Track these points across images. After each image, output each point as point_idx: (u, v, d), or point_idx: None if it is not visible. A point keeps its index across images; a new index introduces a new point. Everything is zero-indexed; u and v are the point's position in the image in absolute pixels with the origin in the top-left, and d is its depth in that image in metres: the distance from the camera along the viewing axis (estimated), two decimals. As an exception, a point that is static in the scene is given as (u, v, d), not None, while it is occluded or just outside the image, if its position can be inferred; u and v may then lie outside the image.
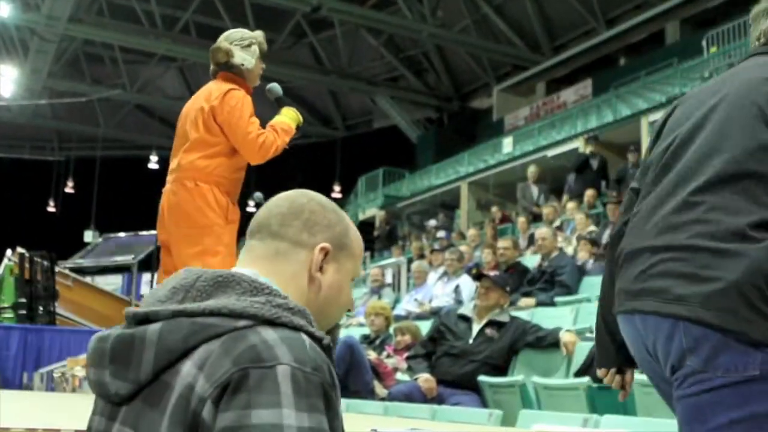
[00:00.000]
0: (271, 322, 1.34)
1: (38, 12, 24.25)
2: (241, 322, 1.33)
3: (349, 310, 1.60)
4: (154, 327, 1.35)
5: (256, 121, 4.11)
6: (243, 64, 4.22)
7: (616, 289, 2.00)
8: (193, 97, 4.30)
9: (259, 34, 4.35)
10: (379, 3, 26.56)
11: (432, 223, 20.77)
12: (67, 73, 30.66)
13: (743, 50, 15.83)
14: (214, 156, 4.07)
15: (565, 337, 5.43)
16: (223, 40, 4.22)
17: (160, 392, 1.31)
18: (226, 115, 4.03)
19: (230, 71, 4.20)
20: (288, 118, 4.32)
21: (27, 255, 14.52)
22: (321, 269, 1.52)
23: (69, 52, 29.48)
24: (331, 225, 1.56)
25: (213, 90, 4.13)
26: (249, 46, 4.25)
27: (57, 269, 15.46)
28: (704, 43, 17.21)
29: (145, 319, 1.38)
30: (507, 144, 21.76)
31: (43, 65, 28.10)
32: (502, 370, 5.63)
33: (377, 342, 7.18)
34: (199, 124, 4.07)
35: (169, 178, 4.12)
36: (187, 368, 1.30)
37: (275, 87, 4.40)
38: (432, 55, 29.55)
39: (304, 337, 1.33)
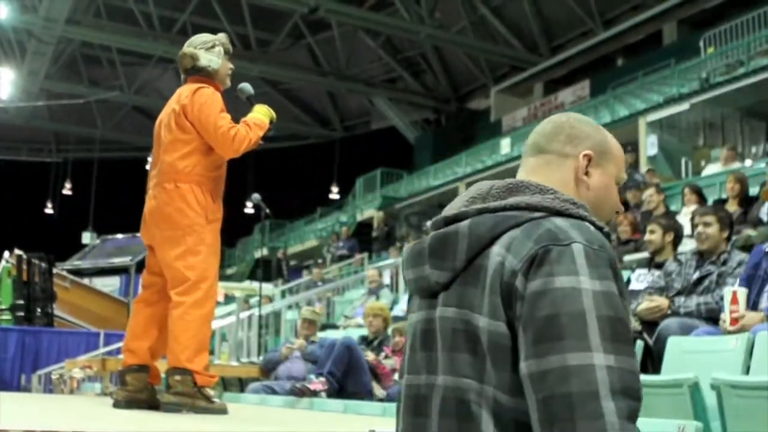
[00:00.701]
0: (561, 213, 1.61)
1: (36, 14, 24.22)
2: (537, 214, 1.61)
3: (617, 212, 1.84)
4: (464, 223, 1.65)
5: (226, 115, 4.13)
6: (210, 66, 4.25)
7: None
8: (169, 101, 4.31)
9: (221, 36, 4.39)
10: (376, 4, 26.59)
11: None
12: (64, 74, 30.66)
13: (740, 51, 15.86)
14: (190, 154, 4.08)
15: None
16: (186, 46, 4.26)
17: (475, 273, 1.60)
18: (196, 112, 4.06)
19: (198, 74, 4.23)
20: (260, 113, 4.34)
21: (25, 257, 14.50)
22: (587, 173, 1.77)
23: (66, 53, 29.48)
24: (590, 136, 1.83)
25: (183, 91, 4.18)
26: (212, 47, 4.28)
27: (55, 271, 15.43)
28: (701, 43, 17.24)
29: (453, 220, 1.68)
30: (505, 145, 21.78)
31: (41, 67, 28.08)
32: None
33: (375, 343, 7.17)
34: (171, 125, 4.10)
35: (150, 184, 4.15)
36: (496, 251, 1.59)
37: (246, 87, 4.43)
38: (430, 56, 29.57)
39: (588, 224, 1.61)
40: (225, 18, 27.28)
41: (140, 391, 4.04)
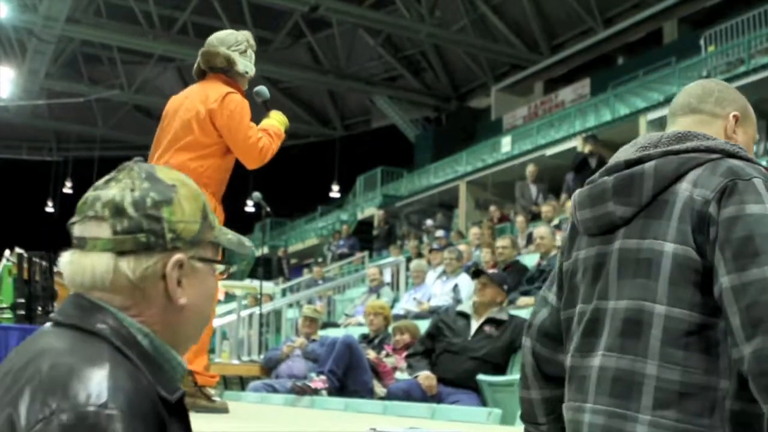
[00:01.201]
0: (734, 155, 1.87)
1: (36, 13, 24.21)
2: (714, 155, 1.87)
3: None
4: (649, 164, 1.89)
5: (254, 125, 4.09)
6: (247, 72, 4.20)
7: None
8: (181, 95, 4.25)
9: (249, 36, 4.29)
10: (376, 2, 26.58)
11: (429, 222, 20.77)
12: (64, 73, 30.64)
13: (741, 49, 15.85)
14: (207, 157, 4.05)
15: (563, 335, 5.43)
16: (219, 45, 4.15)
17: (660, 207, 1.86)
18: (226, 119, 3.99)
19: (224, 74, 4.16)
20: (278, 122, 4.30)
21: (25, 255, 14.49)
22: (734, 132, 2.03)
23: (67, 52, 29.46)
24: (735, 100, 2.07)
25: (210, 92, 4.06)
26: (245, 51, 4.20)
27: (56, 269, 15.42)
28: (702, 42, 17.24)
29: (636, 162, 1.91)
30: (505, 143, 21.77)
31: (41, 66, 28.06)
32: (501, 368, 5.63)
33: (376, 341, 7.18)
34: (193, 126, 4.02)
35: None
36: (683, 187, 1.84)
37: (263, 90, 4.35)
38: (430, 54, 29.56)
39: (755, 165, 1.86)
40: (225, 16, 27.25)
41: None
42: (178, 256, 1.33)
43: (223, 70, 4.14)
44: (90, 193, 1.35)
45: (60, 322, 1.30)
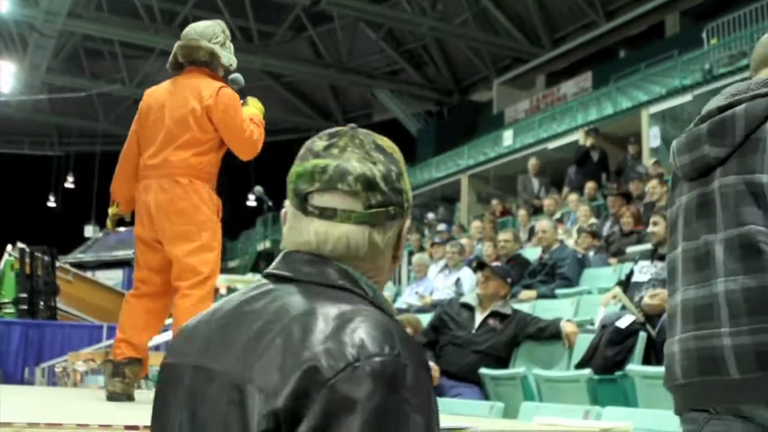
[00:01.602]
0: None
1: (37, 7, 24.18)
2: None
3: None
4: (740, 107, 2.04)
5: (245, 117, 4.11)
6: (230, 65, 4.22)
7: None
8: (161, 89, 4.20)
9: (224, 26, 4.28)
10: (378, -4, 26.54)
11: (430, 216, 20.76)
12: (66, 68, 30.62)
13: (743, 41, 15.82)
14: (206, 153, 4.06)
15: (566, 327, 5.43)
16: (200, 38, 4.13)
17: (753, 145, 2.00)
18: (222, 114, 4.00)
19: (206, 67, 4.15)
20: (257, 109, 4.29)
21: (28, 250, 14.53)
22: None
23: (68, 47, 29.45)
24: None
25: (201, 88, 4.05)
26: (224, 43, 4.21)
27: (57, 264, 15.46)
28: (704, 34, 17.19)
29: (727, 107, 2.06)
30: (507, 137, 21.75)
31: (42, 60, 28.04)
32: (504, 362, 5.63)
33: (378, 335, 7.17)
34: (190, 123, 4.01)
35: (151, 173, 4.04)
36: None
37: (239, 78, 4.31)
38: (432, 48, 29.52)
39: None
40: (226, 10, 27.23)
41: (133, 384, 4.07)
42: (408, 220, 1.49)
43: (205, 63, 4.13)
44: (322, 162, 1.42)
45: (298, 279, 1.38)
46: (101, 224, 29.87)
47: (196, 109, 4.00)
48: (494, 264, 6.84)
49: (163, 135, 4.05)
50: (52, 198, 37.38)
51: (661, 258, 5.62)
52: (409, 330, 6.74)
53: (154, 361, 4.78)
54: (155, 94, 4.18)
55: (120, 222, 4.43)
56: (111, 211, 4.31)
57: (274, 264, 1.46)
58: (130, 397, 3.97)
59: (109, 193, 4.31)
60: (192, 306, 3.87)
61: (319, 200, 1.40)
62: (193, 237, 3.99)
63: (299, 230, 1.42)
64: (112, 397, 3.92)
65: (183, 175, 4.00)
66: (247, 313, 1.35)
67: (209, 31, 4.17)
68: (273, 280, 1.43)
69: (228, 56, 4.20)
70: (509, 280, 6.06)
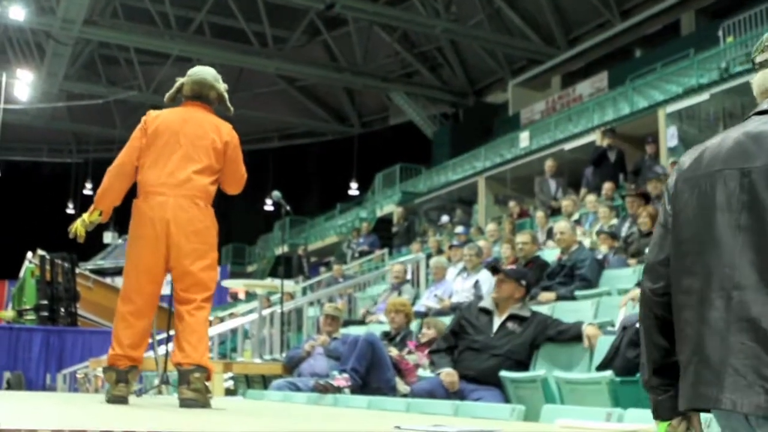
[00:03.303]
0: None
1: (53, 15, 24.36)
2: None
3: None
4: None
5: None
6: (231, 110, 4.66)
7: None
8: (178, 116, 4.51)
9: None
10: (392, -1, 26.58)
11: (445, 219, 20.75)
12: (83, 75, 30.82)
13: (760, 40, 15.69)
14: (216, 182, 4.52)
15: (587, 330, 5.41)
16: (214, 81, 4.60)
17: None
18: (234, 151, 4.53)
19: (211, 106, 4.61)
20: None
21: (48, 257, 14.61)
22: None
23: (84, 54, 29.64)
24: None
25: (219, 125, 4.51)
26: (226, 91, 4.69)
27: (77, 271, 15.54)
28: (720, 33, 17.10)
29: None
30: (524, 138, 21.70)
31: (60, 68, 28.24)
32: (524, 365, 5.62)
33: (398, 339, 7.17)
34: (210, 153, 4.44)
35: (169, 191, 4.34)
36: None
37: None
38: (446, 50, 29.51)
39: None
40: (241, 16, 27.34)
41: (132, 389, 4.54)
42: None
43: (210, 102, 4.59)
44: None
45: None
46: (120, 231, 30.04)
47: (216, 141, 4.45)
48: (509, 267, 6.83)
49: (180, 157, 4.39)
50: (70, 205, 37.58)
51: (681, 258, 5.58)
52: (432, 332, 6.76)
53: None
54: (165, 119, 4.50)
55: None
56: (89, 217, 4.56)
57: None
58: (127, 401, 4.35)
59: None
60: (204, 321, 4.38)
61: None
62: (205, 255, 4.39)
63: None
64: (116, 400, 4.28)
65: (201, 198, 4.39)
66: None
67: (218, 77, 4.65)
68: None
69: (227, 103, 4.67)
70: (524, 282, 6.02)
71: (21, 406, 3.84)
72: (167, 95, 4.62)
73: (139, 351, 4.46)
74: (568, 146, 19.17)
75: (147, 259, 4.34)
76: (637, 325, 4.82)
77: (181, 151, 4.38)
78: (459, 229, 17.22)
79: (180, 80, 4.61)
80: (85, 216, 4.58)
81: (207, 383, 4.33)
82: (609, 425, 3.21)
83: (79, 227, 4.59)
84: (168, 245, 4.29)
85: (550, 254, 9.42)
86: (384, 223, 24.90)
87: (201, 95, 4.55)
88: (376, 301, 11.39)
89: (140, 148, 4.45)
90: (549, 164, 15.82)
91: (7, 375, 12.77)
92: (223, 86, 4.63)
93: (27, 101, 29.05)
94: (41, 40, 27.54)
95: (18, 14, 23.67)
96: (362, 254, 20.76)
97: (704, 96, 16.03)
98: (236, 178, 4.59)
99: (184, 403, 4.19)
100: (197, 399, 4.19)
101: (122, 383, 4.33)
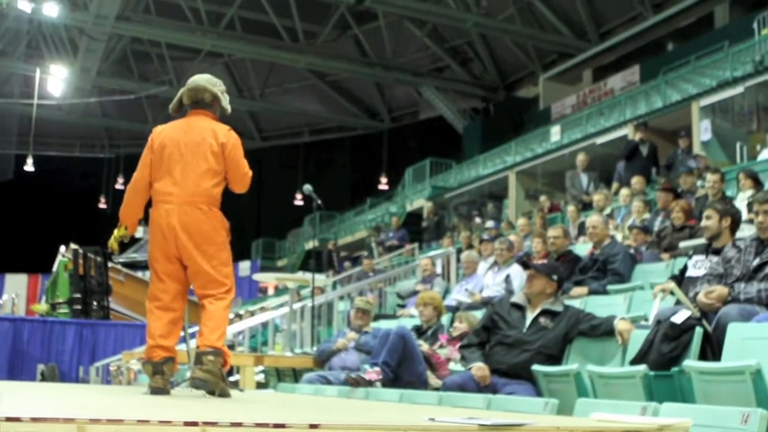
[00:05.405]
0: None
1: (86, 11, 24.58)
2: None
3: None
4: None
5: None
6: (227, 111, 4.91)
7: None
8: (178, 128, 4.79)
9: (221, 81, 5.02)
10: (422, -7, 26.52)
11: (478, 221, 20.78)
12: (115, 71, 31.07)
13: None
14: (220, 184, 4.74)
15: (620, 325, 5.37)
16: (207, 83, 4.85)
17: None
18: (232, 151, 4.73)
19: (209, 110, 4.85)
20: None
21: (80, 251, 14.74)
22: None
23: (117, 50, 29.87)
24: None
25: (215, 128, 4.75)
26: (223, 92, 4.92)
27: (110, 264, 15.66)
28: (755, 25, 16.90)
29: None
30: (555, 132, 21.60)
31: (93, 64, 28.50)
32: (556, 359, 5.59)
33: (429, 333, 7.17)
34: (209, 157, 4.68)
35: (173, 199, 4.65)
36: None
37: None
38: (477, 44, 29.41)
39: None
40: (272, 11, 27.41)
41: (170, 380, 4.69)
42: None
43: (207, 105, 4.83)
44: None
45: None
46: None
47: (213, 144, 4.68)
48: (540, 262, 6.80)
49: (181, 167, 4.67)
50: (102, 199, 37.95)
51: (716, 252, 5.53)
52: (464, 325, 6.74)
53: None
54: (168, 132, 4.79)
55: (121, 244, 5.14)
56: (118, 233, 4.98)
57: None
58: (168, 391, 4.54)
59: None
60: (224, 309, 4.65)
61: None
62: (214, 255, 4.65)
63: None
64: (156, 391, 4.48)
65: (203, 203, 4.65)
66: None
67: (213, 80, 4.90)
68: None
69: (226, 103, 4.90)
70: (555, 277, 5.97)
71: (58, 397, 3.88)
72: (171, 107, 4.90)
73: (170, 340, 4.66)
74: (599, 140, 19.06)
75: (163, 262, 4.69)
76: (672, 319, 4.79)
77: (183, 160, 4.67)
78: (490, 223, 17.18)
79: (180, 91, 4.89)
80: (115, 232, 4.99)
81: (223, 369, 4.56)
82: (645, 419, 3.18)
83: (112, 243, 5.05)
84: (178, 248, 4.62)
85: (582, 249, 9.37)
86: (414, 217, 24.90)
87: (198, 101, 4.82)
88: (402, 295, 11.39)
89: (149, 164, 4.76)
90: (581, 158, 15.73)
91: (41, 367, 12.92)
92: (218, 88, 4.86)
93: (60, 97, 29.36)
94: (74, 36, 27.79)
95: (52, 10, 23.90)
96: (392, 249, 20.78)
97: (738, 89, 15.88)
98: (238, 178, 4.77)
99: (194, 383, 4.46)
100: (207, 380, 4.42)
101: (158, 375, 4.54)
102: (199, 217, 4.62)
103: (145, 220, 4.96)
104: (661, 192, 10.45)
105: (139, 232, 30.70)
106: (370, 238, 23.35)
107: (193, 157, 4.67)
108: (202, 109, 4.83)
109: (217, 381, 4.45)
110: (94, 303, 14.74)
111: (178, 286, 4.70)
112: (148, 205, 4.82)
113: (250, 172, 4.83)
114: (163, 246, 4.65)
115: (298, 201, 32.53)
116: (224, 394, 4.46)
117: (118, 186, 36.38)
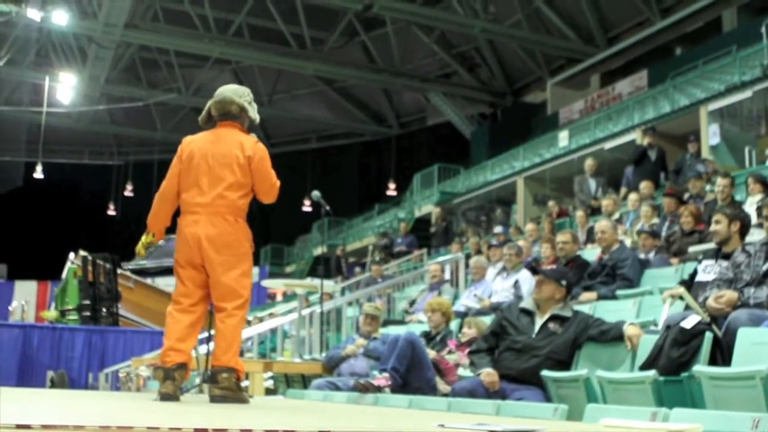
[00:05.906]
0: None
1: (95, 20, 24.69)
2: None
3: None
4: None
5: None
6: (255, 120, 4.97)
7: None
8: (202, 140, 4.87)
9: (249, 90, 5.07)
10: (430, -1, 26.57)
11: (493, 231, 20.80)
12: (124, 78, 31.18)
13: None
14: (246, 195, 4.81)
15: (629, 330, 5.35)
16: (233, 95, 4.89)
17: None
18: (259, 164, 4.79)
19: (237, 121, 4.90)
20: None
21: (90, 258, 14.79)
22: None
23: (126, 58, 29.99)
24: None
25: (242, 140, 4.81)
26: (251, 102, 4.97)
27: (119, 271, 15.70)
28: (763, 29, 16.87)
29: None
30: (563, 138, 21.59)
31: (101, 72, 28.59)
32: (565, 364, 5.57)
33: (437, 338, 7.16)
34: (235, 169, 4.75)
35: (201, 209, 4.73)
36: None
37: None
38: (484, 50, 29.43)
39: None
40: (280, 18, 27.49)
41: (181, 386, 4.73)
42: None
43: (235, 117, 4.88)
44: None
45: None
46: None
47: (239, 157, 4.75)
48: (549, 267, 6.79)
49: (209, 178, 4.75)
50: (111, 206, 38.04)
51: (726, 257, 5.52)
52: (473, 331, 6.73)
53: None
54: (197, 143, 4.87)
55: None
56: (146, 239, 5.04)
57: None
58: (177, 397, 4.61)
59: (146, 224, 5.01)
60: (236, 325, 4.72)
61: None
62: (236, 265, 4.73)
63: None
64: (165, 397, 4.53)
65: (230, 213, 4.73)
66: None
67: (240, 91, 4.94)
68: None
69: (254, 113, 4.96)
70: (564, 282, 5.96)
71: (68, 404, 3.89)
72: (200, 119, 4.97)
73: (187, 344, 4.73)
74: (607, 145, 19.04)
75: (187, 268, 4.78)
76: (681, 324, 4.77)
77: (210, 172, 4.75)
78: (498, 228, 17.16)
79: (208, 103, 4.94)
80: (143, 238, 5.04)
81: (238, 382, 4.67)
82: (655, 425, 3.17)
83: (140, 248, 5.10)
84: (202, 257, 4.71)
85: (591, 254, 9.35)
86: (422, 223, 24.89)
87: (226, 112, 4.87)
88: (412, 301, 11.38)
89: (178, 174, 4.85)
90: (589, 163, 15.71)
91: (50, 374, 12.95)
92: (245, 99, 4.90)
93: (69, 104, 29.47)
94: (83, 44, 27.89)
95: (61, 19, 23.98)
96: (400, 254, 20.78)
97: (747, 93, 15.85)
98: (265, 189, 4.85)
99: (214, 400, 4.57)
100: (226, 396, 4.54)
101: (169, 380, 4.59)
102: (225, 228, 4.70)
103: (171, 229, 5.03)
104: (666, 197, 10.44)
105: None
106: (374, 243, 23.37)
107: (220, 169, 4.75)
108: (230, 121, 4.88)
109: (234, 394, 4.58)
110: (104, 310, 14.78)
111: (200, 291, 4.79)
112: (177, 214, 4.91)
113: (278, 183, 4.90)
114: (188, 254, 4.74)
115: (307, 207, 32.55)
116: (238, 400, 4.58)
117: (127, 193, 36.53)
